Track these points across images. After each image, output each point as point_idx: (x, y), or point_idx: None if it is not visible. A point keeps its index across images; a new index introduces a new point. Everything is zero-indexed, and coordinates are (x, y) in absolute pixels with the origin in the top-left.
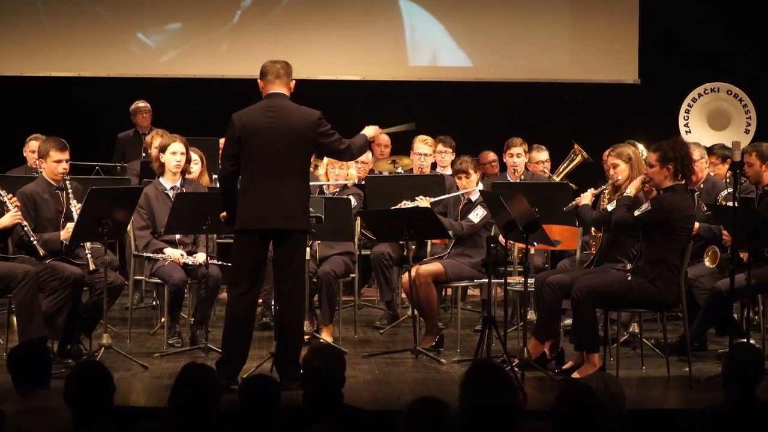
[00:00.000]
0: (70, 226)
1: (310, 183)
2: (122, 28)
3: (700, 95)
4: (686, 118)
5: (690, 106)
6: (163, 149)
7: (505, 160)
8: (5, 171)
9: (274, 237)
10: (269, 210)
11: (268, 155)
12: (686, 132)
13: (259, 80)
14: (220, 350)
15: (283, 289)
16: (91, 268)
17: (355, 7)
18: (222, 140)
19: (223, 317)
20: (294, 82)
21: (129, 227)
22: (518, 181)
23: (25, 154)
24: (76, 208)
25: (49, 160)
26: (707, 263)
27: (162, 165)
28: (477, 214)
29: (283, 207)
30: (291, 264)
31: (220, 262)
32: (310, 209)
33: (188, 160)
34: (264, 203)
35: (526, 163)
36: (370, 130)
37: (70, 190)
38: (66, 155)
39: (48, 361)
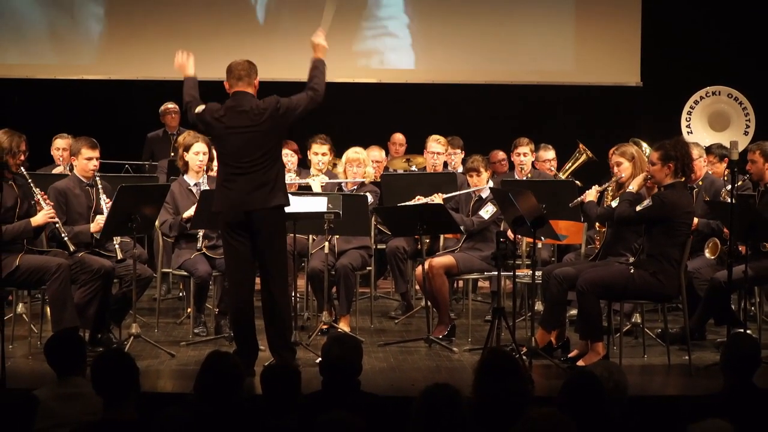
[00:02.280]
0: (100, 218)
1: (329, 180)
2: (151, 33)
3: (702, 98)
4: (688, 119)
5: (692, 108)
6: (186, 149)
7: (512, 159)
8: (34, 170)
9: (253, 223)
10: (248, 196)
11: (240, 154)
12: (688, 133)
13: (225, 81)
14: None
15: (268, 277)
16: (119, 257)
17: (368, 14)
18: None
19: None
20: (258, 80)
21: (156, 223)
22: (525, 179)
23: (52, 153)
24: (105, 202)
25: (80, 158)
26: (708, 255)
27: (186, 163)
28: (487, 211)
29: (259, 189)
30: (272, 249)
31: None
32: (329, 205)
33: (211, 159)
34: (242, 192)
35: (533, 161)
36: (319, 45)
37: (99, 186)
38: (96, 153)
39: (83, 350)
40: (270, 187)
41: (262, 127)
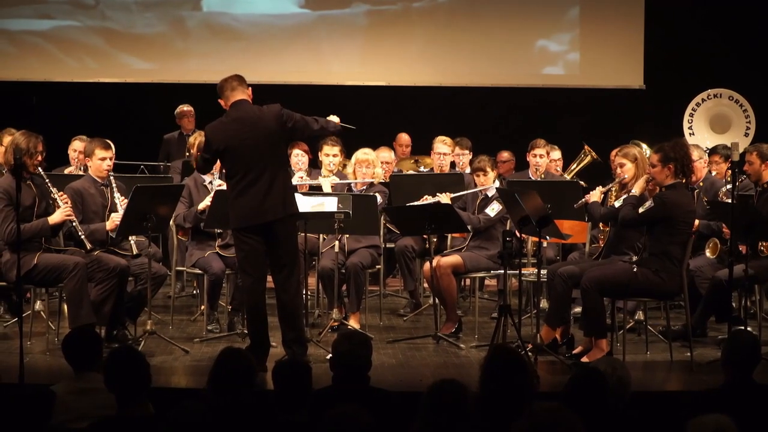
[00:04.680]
0: (115, 216)
1: (340, 181)
2: (167, 36)
3: (703, 100)
4: (690, 121)
5: (694, 110)
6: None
7: (528, 159)
8: (50, 170)
9: (269, 229)
10: (262, 205)
11: (251, 162)
12: (690, 135)
13: (220, 100)
14: None
15: (281, 276)
16: (134, 252)
17: (383, 19)
18: None
19: None
20: (250, 88)
21: (171, 222)
22: (539, 179)
23: (69, 153)
24: (120, 200)
25: (94, 159)
26: (708, 254)
27: None
28: (493, 209)
29: (273, 199)
30: (285, 250)
31: None
32: (339, 205)
33: None
34: (256, 201)
35: (547, 163)
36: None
37: (114, 186)
38: (110, 153)
39: (99, 346)
40: (283, 194)
41: (270, 130)
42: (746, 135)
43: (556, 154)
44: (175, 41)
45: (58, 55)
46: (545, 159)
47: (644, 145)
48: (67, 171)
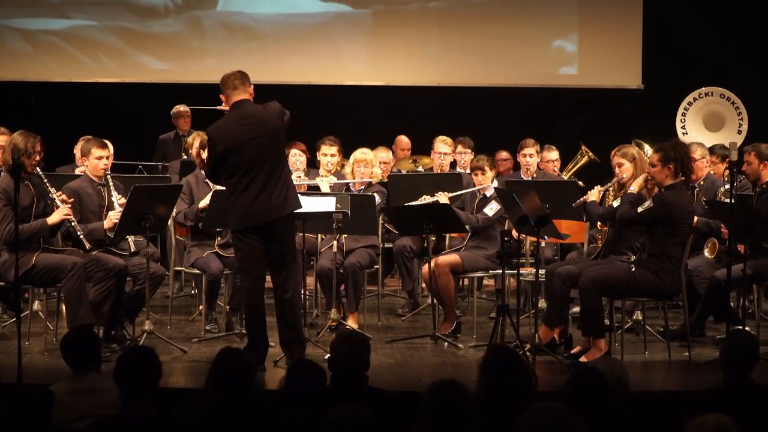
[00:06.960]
0: (112, 215)
1: (338, 181)
2: (183, 36)
3: (695, 99)
4: (683, 120)
5: (686, 109)
6: (203, 147)
7: (518, 160)
8: (53, 169)
9: (270, 228)
10: (264, 204)
11: (256, 161)
12: (683, 134)
13: (221, 95)
14: None
15: (279, 276)
16: (132, 250)
17: (375, 18)
18: None
19: None
20: (252, 86)
21: (170, 222)
22: (530, 179)
23: (75, 152)
24: (117, 199)
25: (91, 158)
26: (707, 254)
27: (203, 161)
28: (491, 208)
29: (275, 197)
30: (284, 249)
31: None
32: (338, 205)
33: None
34: (258, 200)
35: (537, 162)
36: None
37: (111, 185)
38: (106, 152)
39: (98, 346)
40: (284, 193)
41: (271, 130)
42: (739, 132)
43: (554, 154)
44: (190, 40)
45: (75, 54)
46: (535, 158)
47: (646, 146)
48: (77, 171)
